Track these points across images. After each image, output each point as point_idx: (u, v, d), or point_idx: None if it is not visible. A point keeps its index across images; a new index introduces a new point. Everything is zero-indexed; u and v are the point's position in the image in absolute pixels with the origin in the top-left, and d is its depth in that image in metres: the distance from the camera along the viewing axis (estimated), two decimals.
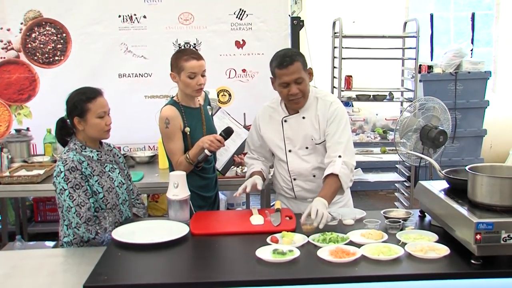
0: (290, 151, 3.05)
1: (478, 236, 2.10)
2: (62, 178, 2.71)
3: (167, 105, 3.17)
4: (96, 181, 2.79)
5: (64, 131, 2.88)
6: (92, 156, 2.84)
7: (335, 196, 2.87)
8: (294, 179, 3.08)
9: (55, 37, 4.84)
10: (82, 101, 2.78)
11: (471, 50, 7.05)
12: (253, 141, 3.20)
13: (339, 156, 2.89)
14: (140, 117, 4.87)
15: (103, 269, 2.23)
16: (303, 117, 3.01)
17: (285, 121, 3.05)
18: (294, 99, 2.93)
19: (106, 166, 2.89)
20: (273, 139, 3.09)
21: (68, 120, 2.86)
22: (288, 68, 2.86)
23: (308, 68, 2.95)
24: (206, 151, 3.04)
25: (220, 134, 3.09)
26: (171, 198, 2.76)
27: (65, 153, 2.80)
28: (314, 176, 3.04)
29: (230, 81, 5.06)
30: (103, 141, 2.97)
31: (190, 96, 3.18)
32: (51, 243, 4.72)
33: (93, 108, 2.78)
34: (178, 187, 2.76)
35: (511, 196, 2.22)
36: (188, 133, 3.15)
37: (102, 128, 2.82)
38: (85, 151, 2.82)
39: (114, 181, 2.89)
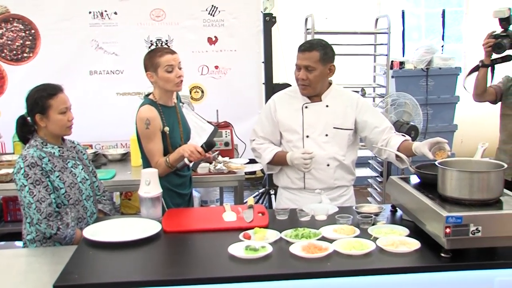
0: (307, 136, 3.06)
1: (447, 230, 2.13)
2: (22, 174, 2.69)
3: (146, 105, 3.09)
4: (58, 176, 2.77)
5: (25, 129, 2.84)
6: (54, 152, 2.80)
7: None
8: None
9: (23, 34, 4.76)
10: (44, 97, 2.75)
11: (442, 46, 7.13)
12: (263, 127, 3.20)
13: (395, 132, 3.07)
14: (112, 115, 4.83)
15: (74, 268, 2.21)
16: (327, 105, 3.07)
17: (306, 107, 3.08)
18: (301, 84, 3.02)
19: (68, 162, 2.86)
20: (290, 124, 3.09)
21: (28, 118, 2.82)
22: (304, 53, 2.97)
23: (330, 64, 3.01)
24: (186, 160, 3.02)
25: (202, 146, 3.06)
26: (143, 196, 2.74)
27: (25, 149, 2.77)
28: (328, 165, 3.06)
29: (203, 78, 5.05)
30: (68, 138, 2.95)
31: (170, 92, 3.13)
32: (21, 243, 4.62)
33: (54, 104, 2.75)
34: (150, 185, 2.74)
35: (479, 190, 2.26)
36: (168, 132, 3.12)
37: (64, 124, 2.79)
38: (46, 147, 2.79)
39: (77, 177, 2.86)
